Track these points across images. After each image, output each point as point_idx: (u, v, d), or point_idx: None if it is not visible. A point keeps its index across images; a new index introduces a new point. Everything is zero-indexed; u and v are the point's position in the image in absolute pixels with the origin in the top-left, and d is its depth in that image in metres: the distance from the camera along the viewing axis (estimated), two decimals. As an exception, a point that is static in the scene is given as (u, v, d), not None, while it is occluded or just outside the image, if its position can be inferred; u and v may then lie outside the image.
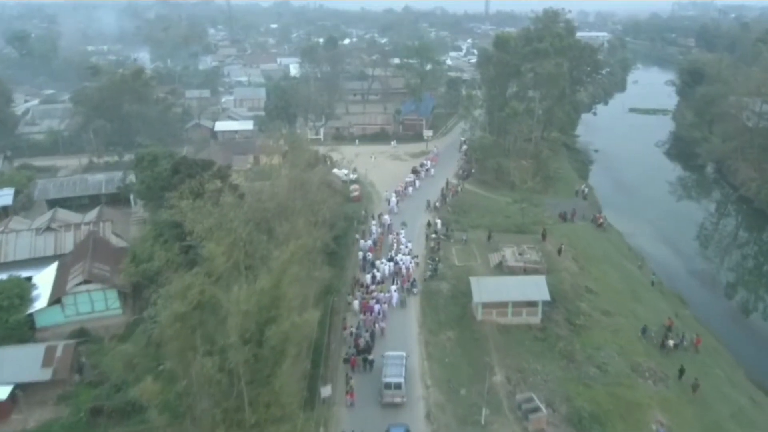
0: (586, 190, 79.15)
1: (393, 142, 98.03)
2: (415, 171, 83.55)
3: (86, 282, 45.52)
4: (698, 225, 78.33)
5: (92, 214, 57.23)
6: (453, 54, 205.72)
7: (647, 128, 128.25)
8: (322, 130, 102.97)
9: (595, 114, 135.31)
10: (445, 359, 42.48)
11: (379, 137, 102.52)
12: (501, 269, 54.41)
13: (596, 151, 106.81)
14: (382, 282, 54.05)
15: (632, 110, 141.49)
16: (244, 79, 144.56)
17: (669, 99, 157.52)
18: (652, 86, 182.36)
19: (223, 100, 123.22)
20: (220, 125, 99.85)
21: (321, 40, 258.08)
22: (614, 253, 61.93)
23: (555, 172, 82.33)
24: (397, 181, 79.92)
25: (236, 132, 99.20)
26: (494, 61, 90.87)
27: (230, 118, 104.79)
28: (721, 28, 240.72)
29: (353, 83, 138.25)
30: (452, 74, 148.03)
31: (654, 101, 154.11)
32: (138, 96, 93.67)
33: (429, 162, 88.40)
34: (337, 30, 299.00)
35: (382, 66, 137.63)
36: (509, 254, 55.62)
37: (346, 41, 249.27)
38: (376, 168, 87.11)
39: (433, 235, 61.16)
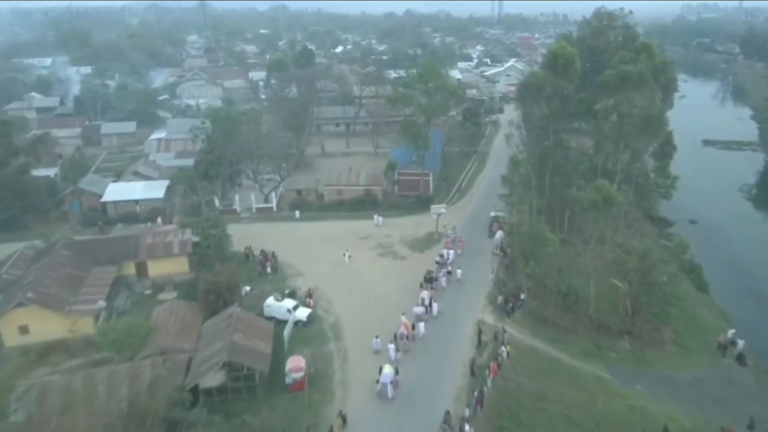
0: (741, 343, 40.66)
1: (376, 218, 59.94)
2: (430, 278, 46.71)
3: None
4: None
5: None
6: (462, 64, 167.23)
7: (733, 169, 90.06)
8: (275, 195, 64.95)
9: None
10: None
11: (364, 205, 64.47)
12: None
13: (693, 222, 68.35)
14: None
15: (707, 143, 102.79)
16: (194, 102, 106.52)
17: (741, 124, 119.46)
18: (709, 107, 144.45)
19: (151, 137, 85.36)
20: (113, 192, 61.75)
21: (313, 47, 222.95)
22: None
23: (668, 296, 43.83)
24: (389, 308, 42.87)
25: (137, 203, 61.21)
26: (548, 93, 52.80)
27: (137, 174, 66.79)
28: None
29: (335, 108, 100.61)
30: (462, 90, 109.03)
31: (718, 125, 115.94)
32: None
33: (450, 253, 51.40)
34: (330, 36, 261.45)
35: (376, 84, 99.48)
36: None
37: (339, 49, 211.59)
38: (352, 278, 49.18)
39: None
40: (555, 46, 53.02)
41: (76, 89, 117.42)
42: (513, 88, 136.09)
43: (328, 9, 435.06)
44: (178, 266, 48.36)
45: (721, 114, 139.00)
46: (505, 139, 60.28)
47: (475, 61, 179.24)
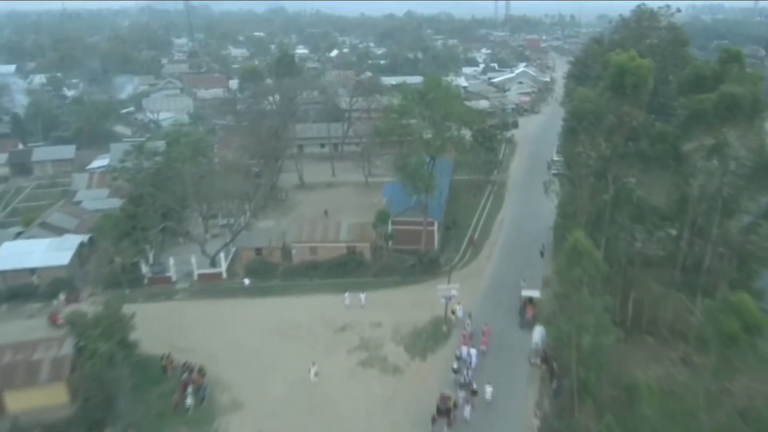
0: None
1: (350, 297, 42.07)
2: (447, 410, 30.23)
3: None
4: None
5: None
6: (467, 70, 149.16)
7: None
8: (224, 257, 47.26)
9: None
10: None
11: (346, 268, 46.77)
12: None
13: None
14: None
15: None
16: (155, 116, 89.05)
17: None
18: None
19: (90, 166, 68.03)
20: (2, 257, 44.13)
21: (307, 50, 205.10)
22: None
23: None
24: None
25: (34, 272, 43.65)
26: (609, 125, 35.22)
27: (44, 227, 49.15)
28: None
29: (320, 126, 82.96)
30: (468, 101, 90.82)
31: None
32: None
33: (471, 353, 34.88)
34: (326, 38, 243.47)
35: (371, 93, 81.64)
36: None
37: (334, 53, 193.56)
38: (319, 415, 31.41)
39: None
40: (621, 56, 35.37)
41: (24, 102, 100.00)
42: (527, 98, 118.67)
43: (326, 10, 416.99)
44: (50, 397, 30.92)
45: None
46: (543, 188, 42.57)
47: (482, 66, 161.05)
